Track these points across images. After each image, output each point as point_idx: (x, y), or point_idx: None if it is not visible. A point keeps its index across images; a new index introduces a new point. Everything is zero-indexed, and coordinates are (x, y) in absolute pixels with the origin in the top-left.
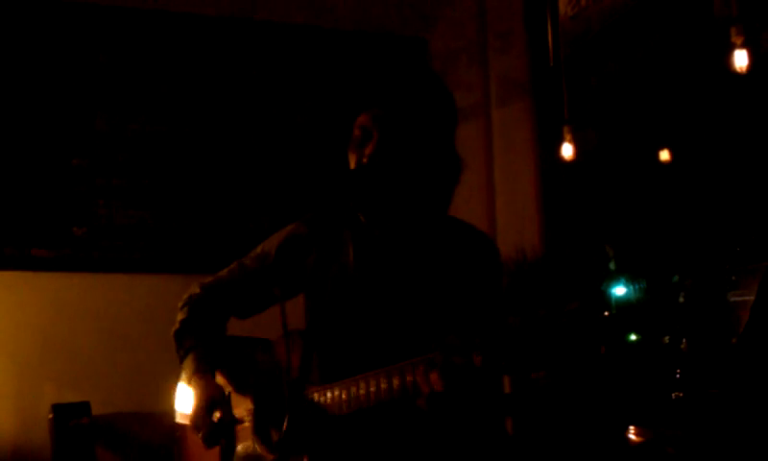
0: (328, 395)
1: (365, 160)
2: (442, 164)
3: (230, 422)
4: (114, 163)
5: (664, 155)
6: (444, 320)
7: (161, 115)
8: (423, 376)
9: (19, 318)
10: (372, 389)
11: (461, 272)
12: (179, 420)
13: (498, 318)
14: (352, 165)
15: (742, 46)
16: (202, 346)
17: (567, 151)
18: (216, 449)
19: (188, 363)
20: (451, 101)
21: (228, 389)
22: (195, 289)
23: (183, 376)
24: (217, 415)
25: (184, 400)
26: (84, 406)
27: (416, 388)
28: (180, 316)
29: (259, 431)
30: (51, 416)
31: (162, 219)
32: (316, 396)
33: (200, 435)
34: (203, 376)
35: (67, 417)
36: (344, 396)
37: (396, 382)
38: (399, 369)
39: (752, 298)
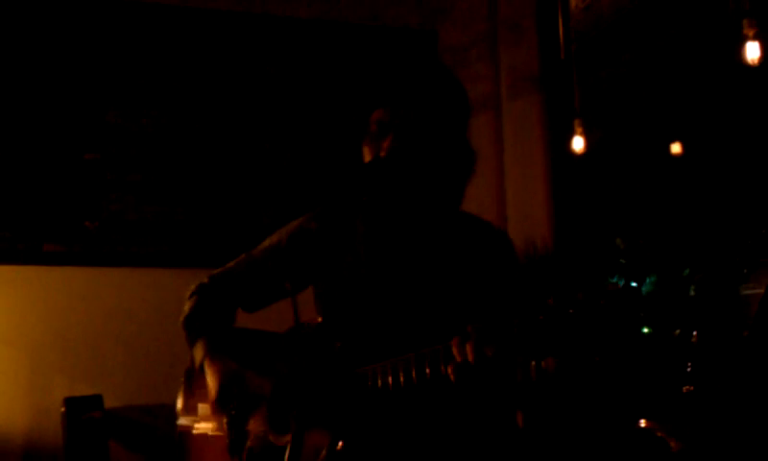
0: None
1: (382, 154)
2: (456, 157)
3: (249, 401)
4: (126, 158)
5: (676, 147)
6: (458, 311)
7: (174, 110)
8: (458, 347)
9: (32, 312)
10: (402, 375)
11: (475, 265)
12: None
13: (508, 309)
14: (367, 159)
15: (754, 38)
16: (212, 331)
17: (578, 144)
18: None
19: (199, 348)
20: (464, 94)
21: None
22: (203, 279)
23: (195, 359)
24: (232, 408)
25: (189, 406)
26: (97, 399)
27: (448, 359)
28: (188, 304)
29: (272, 419)
30: (63, 409)
31: (174, 214)
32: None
33: (222, 420)
34: (216, 356)
35: (80, 410)
36: (369, 383)
37: (428, 367)
38: (433, 352)
39: (763, 291)
